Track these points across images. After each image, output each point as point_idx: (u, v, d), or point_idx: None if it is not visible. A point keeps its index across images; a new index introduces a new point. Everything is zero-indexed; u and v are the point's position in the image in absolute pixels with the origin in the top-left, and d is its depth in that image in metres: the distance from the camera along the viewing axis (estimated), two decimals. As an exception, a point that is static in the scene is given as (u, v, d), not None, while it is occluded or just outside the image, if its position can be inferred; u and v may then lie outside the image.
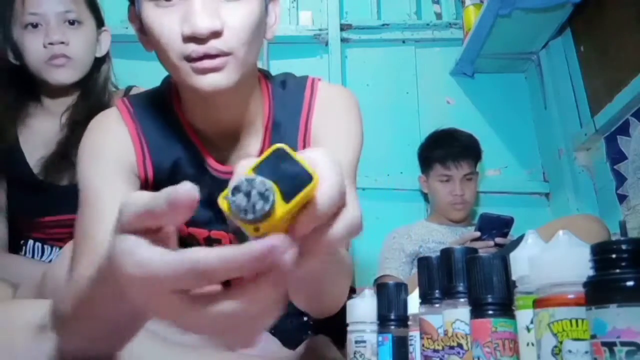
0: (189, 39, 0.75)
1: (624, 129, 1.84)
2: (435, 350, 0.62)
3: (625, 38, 1.83)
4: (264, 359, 0.89)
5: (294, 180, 0.37)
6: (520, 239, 0.63)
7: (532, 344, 0.53)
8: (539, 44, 2.23)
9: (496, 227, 1.74)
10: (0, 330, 0.75)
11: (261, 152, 0.91)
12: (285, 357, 0.93)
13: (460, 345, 0.58)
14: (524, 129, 2.31)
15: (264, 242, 0.35)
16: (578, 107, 2.10)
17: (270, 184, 0.36)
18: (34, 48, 1.25)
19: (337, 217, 0.38)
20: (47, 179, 1.27)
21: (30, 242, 1.33)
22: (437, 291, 0.65)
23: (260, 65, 0.91)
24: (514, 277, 0.57)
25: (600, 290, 0.45)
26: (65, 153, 1.25)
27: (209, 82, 0.76)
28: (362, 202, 0.80)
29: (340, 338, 0.85)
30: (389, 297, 0.72)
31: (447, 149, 1.95)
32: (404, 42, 2.39)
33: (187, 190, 0.36)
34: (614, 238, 1.24)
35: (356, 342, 0.73)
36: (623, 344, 0.42)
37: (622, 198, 1.85)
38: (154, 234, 0.40)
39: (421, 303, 0.66)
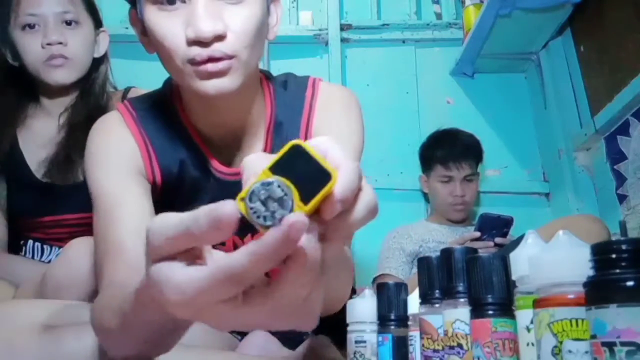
0: (193, 42, 0.74)
1: (624, 129, 1.84)
2: (435, 350, 0.62)
3: (625, 38, 1.83)
4: (264, 358, 0.89)
5: (312, 179, 0.36)
6: (520, 239, 0.63)
7: (532, 344, 0.53)
8: (539, 44, 2.23)
9: (496, 227, 1.74)
10: (1, 330, 0.75)
11: (264, 152, 0.91)
12: (285, 357, 0.93)
13: (460, 345, 0.58)
14: (524, 129, 2.31)
15: (282, 225, 0.35)
16: (578, 107, 2.10)
17: (288, 188, 0.36)
18: (32, 49, 1.25)
19: (355, 200, 0.39)
20: (50, 181, 1.27)
21: (30, 242, 1.33)
22: (437, 291, 0.65)
23: (260, 65, 0.91)
24: (514, 277, 0.57)
25: (600, 290, 0.45)
26: (67, 154, 1.25)
27: (213, 85, 0.76)
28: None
29: (340, 338, 0.85)
30: (389, 297, 0.72)
31: (448, 150, 1.95)
32: (404, 42, 2.39)
33: (231, 209, 0.35)
34: (614, 238, 1.24)
35: (356, 342, 0.73)
36: (623, 344, 0.42)
37: (622, 198, 1.85)
38: (184, 253, 0.40)
39: (421, 303, 0.66)
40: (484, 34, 2.08)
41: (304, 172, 0.36)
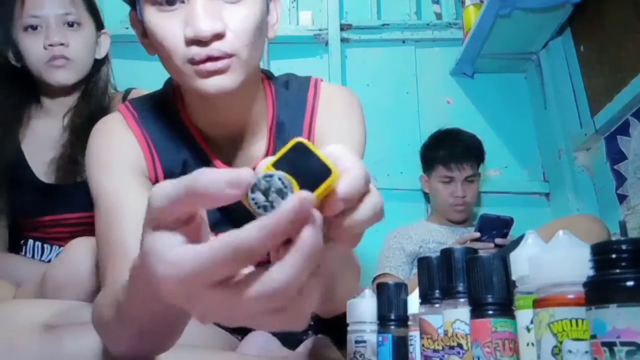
0: (192, 42, 0.75)
1: (624, 129, 1.84)
2: (435, 350, 0.62)
3: (625, 38, 1.83)
4: (264, 358, 0.89)
5: (312, 174, 0.38)
6: (520, 239, 0.63)
7: (532, 344, 0.53)
8: (539, 44, 2.23)
9: (496, 227, 1.74)
10: (1, 330, 0.75)
11: (267, 152, 0.91)
12: (285, 357, 0.93)
13: (460, 345, 0.58)
14: (524, 129, 2.31)
15: (291, 199, 0.36)
16: (578, 107, 2.10)
17: (288, 180, 0.37)
18: (34, 50, 1.26)
19: (361, 201, 0.40)
20: (54, 182, 1.28)
21: (31, 241, 1.33)
22: (437, 291, 0.65)
23: (260, 65, 0.91)
24: (514, 277, 0.57)
25: (600, 290, 0.45)
26: (71, 155, 1.26)
27: (213, 84, 0.76)
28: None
29: (340, 338, 0.85)
30: (389, 297, 0.72)
31: (450, 150, 1.95)
32: (404, 42, 2.39)
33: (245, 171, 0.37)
34: (614, 238, 1.24)
35: (356, 342, 0.73)
36: (623, 344, 0.42)
37: (622, 198, 1.85)
38: (184, 227, 0.39)
39: (421, 303, 0.66)
40: (484, 34, 2.08)
41: (306, 167, 0.38)
